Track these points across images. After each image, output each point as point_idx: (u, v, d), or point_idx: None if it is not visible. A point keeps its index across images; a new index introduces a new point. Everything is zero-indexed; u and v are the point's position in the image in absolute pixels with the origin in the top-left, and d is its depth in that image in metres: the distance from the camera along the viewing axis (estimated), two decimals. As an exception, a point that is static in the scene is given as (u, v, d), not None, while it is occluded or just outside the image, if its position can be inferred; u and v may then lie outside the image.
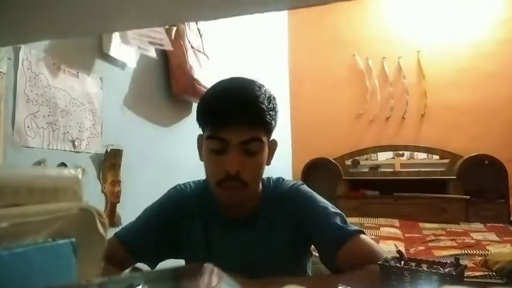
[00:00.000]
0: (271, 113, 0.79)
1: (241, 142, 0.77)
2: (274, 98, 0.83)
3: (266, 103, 0.78)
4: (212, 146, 0.79)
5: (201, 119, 0.82)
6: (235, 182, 0.78)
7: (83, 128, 1.31)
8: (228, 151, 0.77)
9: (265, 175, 0.96)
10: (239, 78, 0.84)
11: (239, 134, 0.76)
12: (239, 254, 0.85)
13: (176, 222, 0.91)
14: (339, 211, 0.86)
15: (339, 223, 0.82)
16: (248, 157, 0.78)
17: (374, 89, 3.77)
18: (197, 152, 0.89)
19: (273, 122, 0.81)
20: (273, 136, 0.89)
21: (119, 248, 0.85)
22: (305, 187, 0.93)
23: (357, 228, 0.82)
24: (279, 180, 0.94)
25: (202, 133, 0.85)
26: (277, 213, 0.88)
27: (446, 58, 3.59)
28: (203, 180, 0.97)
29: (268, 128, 0.81)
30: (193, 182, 0.98)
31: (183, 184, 0.97)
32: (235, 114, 0.76)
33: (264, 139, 0.80)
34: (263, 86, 0.82)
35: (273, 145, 0.88)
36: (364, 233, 0.82)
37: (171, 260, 0.96)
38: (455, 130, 3.52)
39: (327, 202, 0.89)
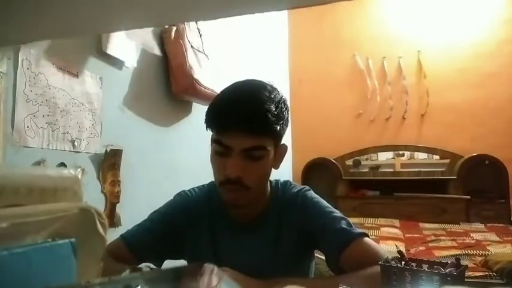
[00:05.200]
0: (277, 120, 0.78)
1: (243, 149, 0.77)
2: (284, 102, 0.82)
3: (273, 109, 0.77)
4: (216, 149, 0.80)
5: (207, 122, 0.82)
6: (236, 186, 0.78)
7: (82, 128, 1.31)
8: (231, 155, 0.77)
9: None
10: (251, 82, 0.84)
11: (241, 141, 0.76)
12: (246, 257, 0.85)
13: (182, 227, 0.91)
14: (344, 216, 0.87)
15: (344, 226, 0.83)
16: (251, 162, 0.78)
17: (374, 89, 3.77)
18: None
19: (279, 128, 0.79)
20: None
21: (124, 249, 0.87)
22: (312, 192, 0.93)
23: (361, 231, 0.83)
24: (287, 184, 0.95)
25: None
26: (284, 216, 0.89)
27: (446, 58, 3.58)
28: (207, 185, 0.97)
29: (275, 135, 0.80)
30: (198, 187, 0.98)
31: (188, 190, 0.97)
32: (238, 122, 0.75)
33: (269, 147, 0.80)
34: (274, 91, 0.81)
35: (282, 149, 0.87)
36: (368, 236, 0.83)
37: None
38: (455, 130, 3.52)
39: (333, 207, 0.90)
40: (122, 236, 0.90)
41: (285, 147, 0.88)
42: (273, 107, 0.77)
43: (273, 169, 0.87)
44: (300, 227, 0.88)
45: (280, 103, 0.80)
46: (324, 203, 0.91)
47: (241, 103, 0.77)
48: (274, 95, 0.80)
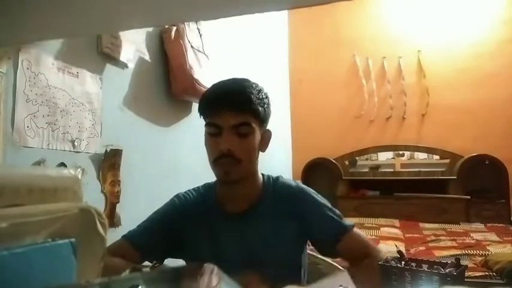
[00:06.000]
0: (259, 101, 0.89)
1: (231, 126, 0.87)
2: (266, 93, 0.93)
3: (255, 93, 0.89)
4: (209, 130, 0.91)
5: (200, 110, 0.93)
6: (229, 159, 0.87)
7: (82, 128, 1.31)
8: (221, 134, 0.88)
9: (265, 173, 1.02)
10: (236, 77, 0.96)
11: (229, 119, 0.87)
12: (241, 246, 0.92)
13: (181, 224, 0.97)
14: (333, 207, 0.97)
15: (336, 218, 0.94)
16: (240, 138, 0.88)
17: (374, 89, 3.77)
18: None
19: (260, 108, 0.89)
20: (273, 135, 0.98)
21: (128, 248, 0.91)
22: (304, 185, 1.01)
23: (351, 223, 0.95)
24: (279, 178, 1.02)
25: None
26: (277, 206, 0.95)
27: (446, 58, 3.58)
28: (202, 186, 1.05)
29: (257, 114, 0.90)
30: (193, 189, 1.05)
31: (184, 192, 1.04)
32: (225, 102, 0.88)
33: (254, 124, 0.90)
34: (256, 83, 0.93)
35: (267, 134, 0.97)
36: (354, 226, 0.95)
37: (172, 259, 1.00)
38: (455, 130, 3.52)
39: (323, 199, 0.98)
40: (123, 236, 0.94)
41: (269, 133, 0.98)
42: (255, 92, 0.89)
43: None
44: (291, 216, 0.94)
45: (262, 92, 0.92)
46: (316, 194, 0.99)
47: (227, 88, 0.91)
48: (256, 85, 0.92)
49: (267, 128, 0.97)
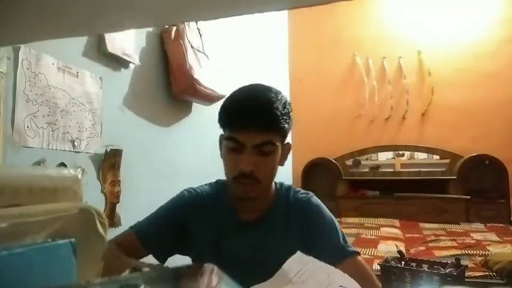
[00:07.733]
0: (285, 118, 0.86)
1: (255, 145, 0.83)
2: (289, 104, 0.90)
3: (281, 109, 0.85)
4: (230, 145, 0.86)
5: (221, 122, 0.88)
6: (249, 179, 0.84)
7: (82, 128, 1.31)
8: (244, 152, 0.84)
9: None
10: (257, 85, 0.92)
11: (253, 137, 0.83)
12: (248, 253, 0.90)
13: (187, 220, 0.95)
14: (341, 229, 0.93)
15: (341, 241, 0.90)
16: (262, 157, 0.85)
17: (374, 89, 3.77)
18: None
19: (286, 126, 0.87)
20: None
21: (134, 239, 0.91)
22: (316, 198, 0.98)
23: (355, 249, 0.90)
24: (291, 188, 1.00)
25: (223, 133, 0.91)
26: (287, 218, 0.94)
27: (446, 58, 3.58)
28: (214, 182, 1.02)
29: (282, 132, 0.87)
30: (206, 184, 1.03)
31: (197, 187, 1.01)
32: (250, 119, 0.82)
33: (278, 142, 0.87)
34: (279, 93, 0.89)
35: (287, 148, 0.94)
36: (359, 254, 0.90)
37: (176, 257, 0.99)
38: (455, 130, 3.52)
39: (333, 217, 0.95)
40: (131, 227, 0.94)
41: (289, 146, 0.95)
42: (280, 107, 0.85)
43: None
44: (299, 229, 0.92)
45: (287, 104, 0.88)
46: (326, 211, 0.95)
47: (252, 103, 0.84)
48: (281, 97, 0.88)
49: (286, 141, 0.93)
